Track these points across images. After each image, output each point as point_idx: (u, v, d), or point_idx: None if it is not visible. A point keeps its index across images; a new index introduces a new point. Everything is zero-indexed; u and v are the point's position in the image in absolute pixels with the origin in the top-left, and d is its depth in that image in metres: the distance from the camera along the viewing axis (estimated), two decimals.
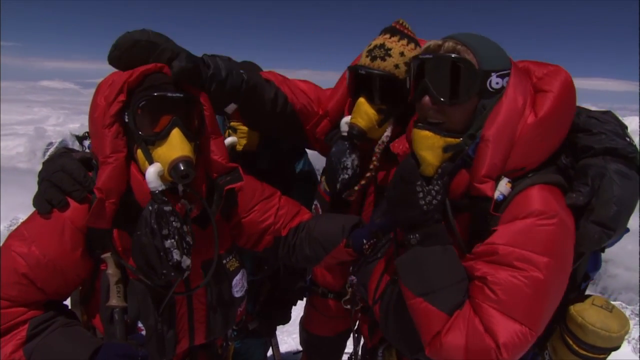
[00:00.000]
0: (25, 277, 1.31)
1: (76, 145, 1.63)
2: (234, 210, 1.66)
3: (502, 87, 1.28)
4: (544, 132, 1.25)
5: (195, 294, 1.50)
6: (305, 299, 2.43)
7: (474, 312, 1.18)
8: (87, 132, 1.63)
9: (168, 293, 1.41)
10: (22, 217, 1.51)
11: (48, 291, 1.36)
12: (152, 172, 1.27)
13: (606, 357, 1.37)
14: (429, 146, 1.29)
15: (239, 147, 2.12)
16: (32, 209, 1.40)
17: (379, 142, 1.79)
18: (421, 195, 1.26)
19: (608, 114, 1.39)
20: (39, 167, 1.45)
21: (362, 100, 1.77)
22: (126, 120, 1.31)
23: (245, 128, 2.10)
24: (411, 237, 1.28)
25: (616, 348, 1.35)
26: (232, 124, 2.15)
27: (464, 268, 1.25)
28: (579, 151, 1.32)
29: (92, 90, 1.40)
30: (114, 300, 1.36)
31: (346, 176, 1.81)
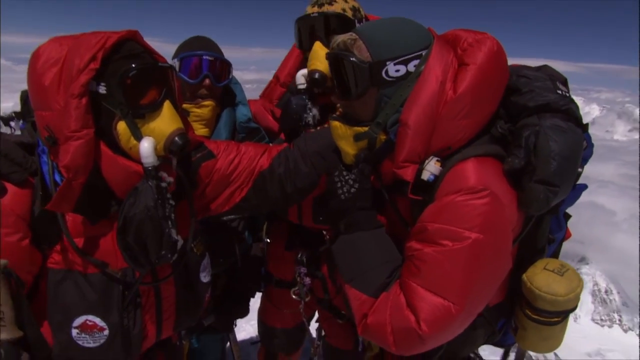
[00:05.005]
0: None
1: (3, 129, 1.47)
2: (197, 179, 1.54)
3: (408, 72, 1.26)
4: (466, 108, 1.22)
5: (162, 282, 1.41)
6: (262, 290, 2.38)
7: (400, 290, 1.20)
8: (14, 113, 1.50)
9: (133, 285, 1.32)
10: None
11: None
12: (147, 147, 1.21)
13: (561, 321, 1.39)
14: (341, 136, 1.35)
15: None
16: None
17: None
18: (339, 185, 1.35)
19: (542, 69, 1.37)
20: None
21: (318, 44, 1.76)
22: (101, 91, 1.21)
23: (199, 111, 1.96)
24: (340, 225, 1.34)
25: (570, 311, 1.37)
26: (184, 105, 1.98)
27: (394, 249, 1.29)
28: (514, 114, 1.31)
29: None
30: (3, 334, 1.09)
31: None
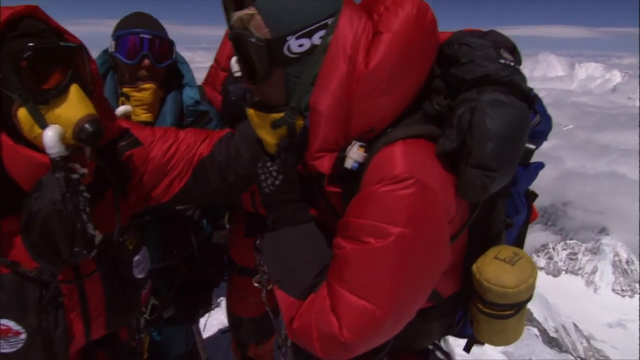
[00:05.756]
0: None
1: None
2: (131, 169, 1.46)
3: (314, 46, 1.11)
4: (384, 83, 1.06)
5: (87, 279, 1.32)
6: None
7: (327, 292, 1.10)
8: None
9: (50, 284, 1.23)
10: None
11: None
12: (52, 135, 1.11)
13: (514, 314, 1.27)
14: (258, 124, 1.23)
15: (135, 117, 1.85)
16: None
17: None
18: (263, 177, 1.24)
19: (486, 36, 1.19)
20: None
21: None
22: None
23: (139, 95, 1.83)
24: (270, 222, 1.25)
25: (523, 303, 1.25)
26: (124, 89, 1.86)
27: (324, 246, 1.19)
28: (453, 89, 1.14)
29: None
30: None
31: None
